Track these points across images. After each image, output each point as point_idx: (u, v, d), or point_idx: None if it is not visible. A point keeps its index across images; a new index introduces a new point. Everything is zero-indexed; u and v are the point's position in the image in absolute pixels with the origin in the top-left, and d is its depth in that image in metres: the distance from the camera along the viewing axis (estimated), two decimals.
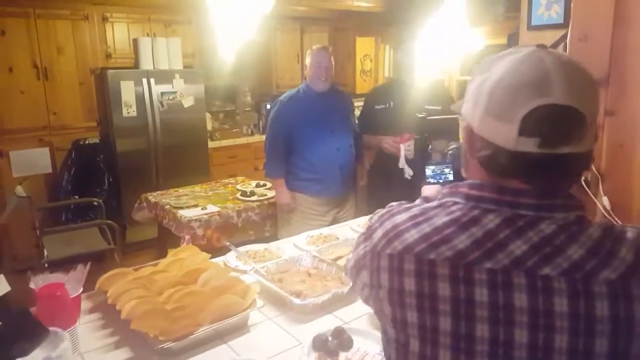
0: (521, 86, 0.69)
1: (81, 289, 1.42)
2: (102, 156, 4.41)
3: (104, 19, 4.37)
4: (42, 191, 4.22)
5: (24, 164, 4.10)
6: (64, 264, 3.01)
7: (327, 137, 2.92)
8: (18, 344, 1.03)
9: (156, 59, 4.52)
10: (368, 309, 1.01)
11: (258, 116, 5.77)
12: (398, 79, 3.19)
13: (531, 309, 0.67)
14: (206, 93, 4.85)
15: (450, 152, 1.87)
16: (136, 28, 4.55)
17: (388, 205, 0.91)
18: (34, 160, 4.16)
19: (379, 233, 0.80)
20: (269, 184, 3.58)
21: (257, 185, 3.71)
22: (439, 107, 2.59)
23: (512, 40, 3.23)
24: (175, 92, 4.60)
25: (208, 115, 5.16)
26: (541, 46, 0.72)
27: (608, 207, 1.97)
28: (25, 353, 1.05)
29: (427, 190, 1.30)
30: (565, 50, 1.91)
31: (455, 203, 0.76)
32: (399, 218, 0.79)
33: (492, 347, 0.68)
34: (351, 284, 1.21)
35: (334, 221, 2.95)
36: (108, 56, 4.43)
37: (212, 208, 3.22)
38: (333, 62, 2.97)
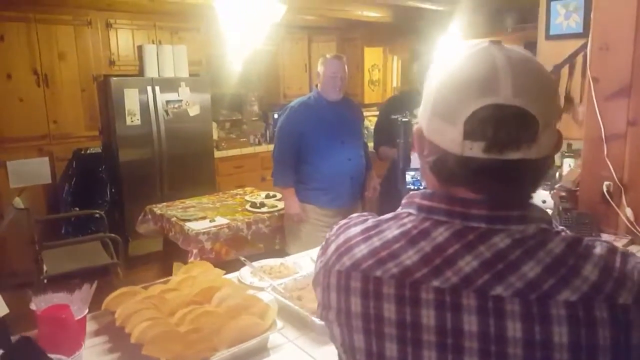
0: (467, 84, 0.62)
1: (87, 310, 1.31)
2: (104, 166, 4.30)
3: (108, 25, 4.29)
4: (41, 203, 4.09)
5: (22, 174, 3.96)
6: (64, 280, 2.91)
7: (338, 147, 2.87)
8: None
9: (161, 66, 4.44)
10: None
11: (265, 126, 5.71)
12: (414, 89, 3.19)
13: (481, 334, 0.60)
14: (212, 102, 4.78)
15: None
16: (141, 35, 4.47)
17: (351, 216, 0.81)
18: (33, 171, 4.02)
19: (332, 247, 0.73)
20: (279, 195, 3.46)
21: (267, 196, 3.60)
22: None
23: (529, 50, 3.22)
24: (180, 101, 4.50)
25: (214, 125, 5.09)
26: (496, 42, 0.65)
27: (632, 218, 1.86)
28: None
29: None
30: (586, 60, 1.88)
31: (409, 214, 0.69)
32: (353, 231, 0.72)
33: None
34: None
35: None
36: (111, 63, 4.34)
37: (220, 220, 3.09)
38: (347, 71, 2.91)
